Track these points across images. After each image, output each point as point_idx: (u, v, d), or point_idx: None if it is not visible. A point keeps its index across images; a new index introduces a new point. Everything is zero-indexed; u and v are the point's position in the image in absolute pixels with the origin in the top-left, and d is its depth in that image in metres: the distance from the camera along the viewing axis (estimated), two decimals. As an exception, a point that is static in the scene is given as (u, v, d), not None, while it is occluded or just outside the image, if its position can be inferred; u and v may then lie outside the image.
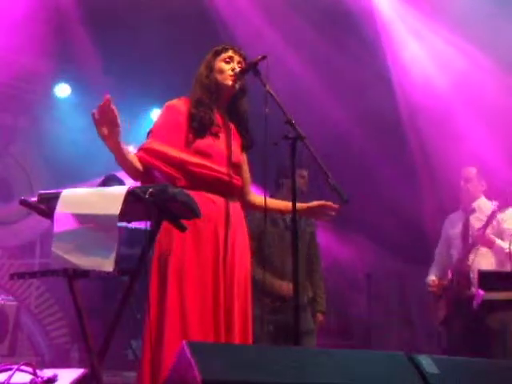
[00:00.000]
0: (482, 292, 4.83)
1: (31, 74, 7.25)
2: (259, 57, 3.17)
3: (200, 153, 3.25)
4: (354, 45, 6.64)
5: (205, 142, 3.27)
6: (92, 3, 6.32)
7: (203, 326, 3.08)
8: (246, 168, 3.51)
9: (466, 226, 5.30)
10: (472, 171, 5.37)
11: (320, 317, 5.07)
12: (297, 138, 3.03)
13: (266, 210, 3.29)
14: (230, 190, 3.30)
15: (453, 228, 5.44)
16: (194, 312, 3.09)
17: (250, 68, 3.22)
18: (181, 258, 3.13)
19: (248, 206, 3.50)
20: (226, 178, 3.27)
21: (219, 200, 3.24)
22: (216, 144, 3.30)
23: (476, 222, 5.26)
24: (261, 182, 3.29)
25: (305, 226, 4.94)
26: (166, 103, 3.42)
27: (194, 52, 3.65)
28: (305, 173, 4.90)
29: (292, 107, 3.10)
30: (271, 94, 3.09)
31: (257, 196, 3.53)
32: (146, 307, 3.05)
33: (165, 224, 2.77)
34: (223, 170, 3.27)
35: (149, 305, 3.04)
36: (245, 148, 3.47)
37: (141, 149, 3.26)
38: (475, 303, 4.91)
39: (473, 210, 5.33)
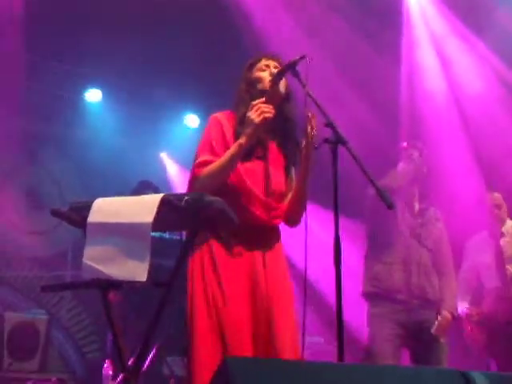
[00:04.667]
0: None
1: (62, 79, 7.23)
2: (298, 57, 3.03)
3: (241, 177, 3.07)
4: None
5: (247, 166, 3.09)
6: (124, 7, 6.26)
7: (241, 341, 2.96)
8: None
9: (499, 252, 5.25)
10: (499, 196, 5.39)
11: (447, 314, 4.35)
12: (338, 141, 2.89)
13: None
14: (268, 224, 3.13)
15: (480, 255, 5.36)
16: (234, 328, 2.96)
17: (288, 69, 3.07)
18: (216, 274, 3.00)
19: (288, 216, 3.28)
20: (263, 215, 3.08)
21: (256, 231, 3.07)
22: (258, 169, 3.13)
23: (508, 245, 5.26)
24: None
25: (433, 218, 4.60)
26: (211, 116, 3.25)
27: (225, 59, 3.51)
28: (416, 153, 4.58)
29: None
30: (311, 96, 2.95)
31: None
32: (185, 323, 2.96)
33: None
34: (260, 197, 3.08)
35: (191, 321, 2.94)
36: (291, 165, 3.27)
37: (201, 164, 3.07)
38: None
39: (502, 235, 5.33)
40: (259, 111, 2.97)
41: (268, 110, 2.98)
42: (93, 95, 7.72)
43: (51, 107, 7.36)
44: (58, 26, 6.34)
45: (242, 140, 2.98)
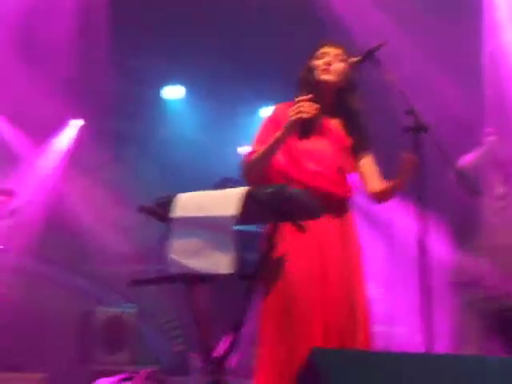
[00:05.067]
0: None
1: (143, 76, 7.34)
2: (376, 44, 2.99)
3: (303, 155, 3.12)
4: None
5: (307, 145, 3.13)
6: (202, 4, 6.32)
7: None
8: (369, 166, 3.26)
9: None
10: None
11: None
12: (420, 128, 2.83)
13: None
14: (337, 202, 3.12)
15: None
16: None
17: (366, 57, 3.04)
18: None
19: (373, 198, 3.26)
20: (336, 190, 3.10)
21: (326, 216, 2.98)
22: (318, 147, 3.15)
23: None
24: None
25: None
26: (275, 105, 3.32)
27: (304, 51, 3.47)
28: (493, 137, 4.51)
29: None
30: (391, 83, 2.90)
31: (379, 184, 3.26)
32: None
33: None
34: (327, 174, 3.11)
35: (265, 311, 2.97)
36: (357, 149, 3.25)
37: (250, 153, 3.16)
38: None
39: None
40: (298, 109, 2.93)
41: (307, 110, 2.91)
42: (174, 92, 7.81)
43: (133, 105, 7.48)
44: (138, 24, 6.45)
45: (279, 133, 2.99)
